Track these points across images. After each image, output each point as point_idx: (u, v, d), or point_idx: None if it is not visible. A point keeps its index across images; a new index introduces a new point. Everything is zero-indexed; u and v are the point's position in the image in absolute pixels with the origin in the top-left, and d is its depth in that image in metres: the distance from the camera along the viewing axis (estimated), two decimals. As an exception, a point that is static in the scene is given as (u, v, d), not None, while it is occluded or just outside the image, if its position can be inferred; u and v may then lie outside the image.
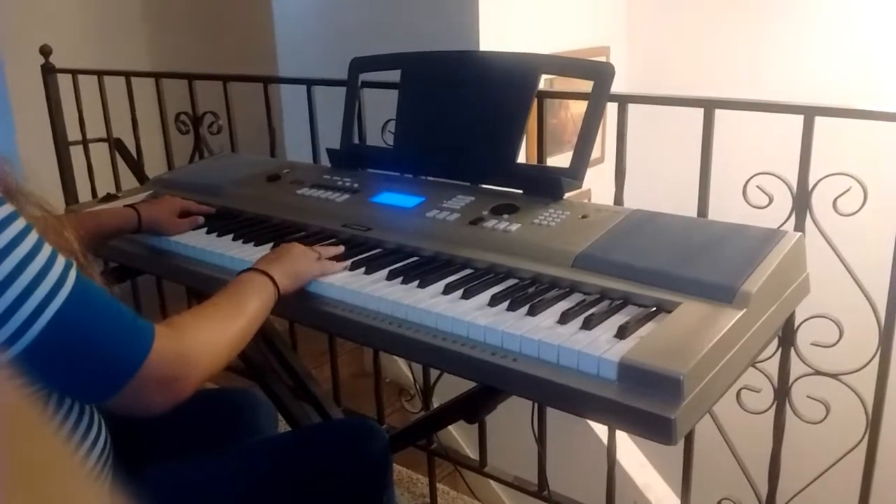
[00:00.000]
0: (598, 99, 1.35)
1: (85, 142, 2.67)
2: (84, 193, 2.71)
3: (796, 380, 1.44)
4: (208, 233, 1.47)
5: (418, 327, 1.07)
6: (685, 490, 1.63)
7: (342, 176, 1.60)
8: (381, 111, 1.73)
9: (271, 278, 1.11)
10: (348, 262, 1.25)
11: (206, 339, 0.95)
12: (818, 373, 1.42)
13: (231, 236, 1.43)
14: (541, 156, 1.67)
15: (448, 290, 1.12)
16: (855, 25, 2.84)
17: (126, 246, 1.50)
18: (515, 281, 1.16)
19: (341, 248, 1.30)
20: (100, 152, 2.67)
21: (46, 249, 0.81)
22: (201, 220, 1.51)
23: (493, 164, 1.45)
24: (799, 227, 1.35)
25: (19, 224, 0.79)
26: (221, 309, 1.02)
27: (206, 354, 0.93)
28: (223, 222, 1.51)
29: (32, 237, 0.80)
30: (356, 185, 1.54)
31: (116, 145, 2.60)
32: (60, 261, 0.82)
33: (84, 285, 0.83)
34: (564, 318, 1.01)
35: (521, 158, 1.46)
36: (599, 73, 1.36)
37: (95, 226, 1.41)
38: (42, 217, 0.89)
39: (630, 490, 2.61)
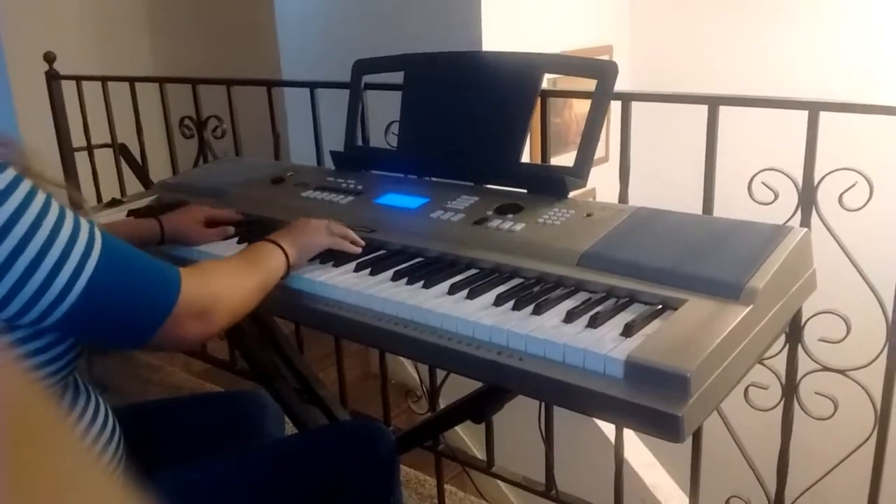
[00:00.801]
0: (601, 97, 1.35)
1: (90, 147, 2.68)
2: (89, 199, 2.71)
3: (804, 376, 1.44)
4: (240, 242, 1.39)
5: (423, 328, 1.07)
6: (693, 488, 1.62)
7: (346, 178, 1.60)
8: (384, 113, 1.73)
9: (282, 249, 1.15)
10: (352, 263, 1.25)
11: (226, 281, 1.03)
12: (826, 369, 1.41)
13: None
14: (545, 155, 1.67)
15: (453, 290, 1.12)
16: (858, 21, 2.83)
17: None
18: (520, 280, 1.15)
19: (361, 243, 1.30)
20: (104, 158, 2.68)
21: (70, 215, 0.86)
22: (231, 230, 1.44)
23: (496, 164, 1.45)
24: (805, 222, 1.35)
25: (41, 196, 0.83)
26: (237, 263, 1.10)
27: (227, 293, 1.01)
28: (254, 230, 1.42)
29: (55, 206, 0.85)
30: (360, 187, 1.54)
31: (121, 150, 2.61)
32: (85, 224, 0.87)
33: (111, 242, 0.89)
34: (570, 317, 1.00)
35: (526, 158, 1.45)
36: (602, 71, 1.36)
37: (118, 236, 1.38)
38: (55, 190, 0.93)
39: (638, 489, 2.61)
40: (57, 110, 2.70)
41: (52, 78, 2.67)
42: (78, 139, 2.71)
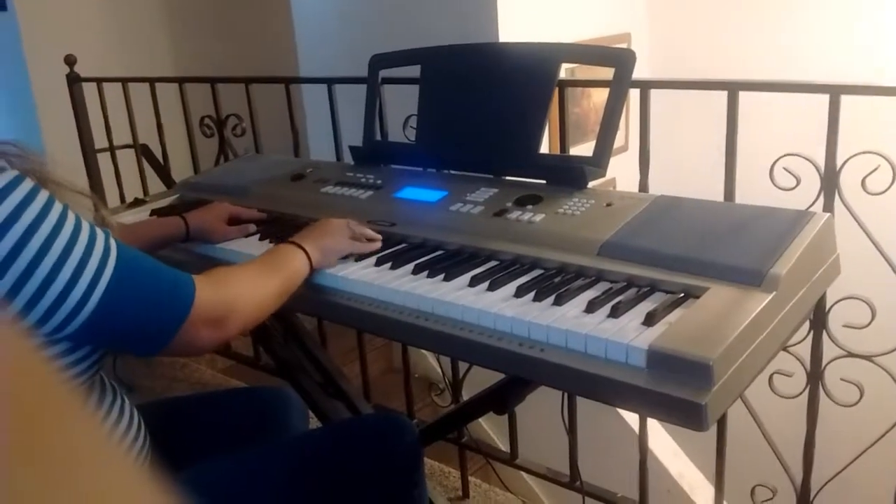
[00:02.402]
0: (619, 86, 1.34)
1: (112, 148, 2.71)
2: (112, 199, 2.74)
3: (829, 363, 1.43)
4: (261, 239, 1.41)
5: (445, 320, 1.07)
6: (719, 477, 1.61)
7: (365, 173, 1.60)
8: (402, 107, 1.74)
9: (304, 251, 1.16)
10: (372, 258, 1.26)
11: (242, 286, 1.03)
12: (851, 355, 1.40)
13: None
14: (563, 145, 1.66)
15: (474, 282, 1.12)
16: (877, 5, 2.79)
17: (177, 255, 1.43)
18: (541, 271, 1.15)
19: (379, 240, 1.31)
20: (126, 158, 2.70)
21: (86, 226, 0.87)
22: (252, 227, 1.45)
23: (515, 156, 1.45)
24: (828, 207, 1.33)
25: (58, 207, 0.85)
26: (256, 267, 1.10)
27: (243, 300, 1.01)
28: (275, 228, 1.45)
29: (71, 217, 0.86)
30: (379, 182, 1.54)
31: (143, 151, 2.63)
32: (101, 234, 0.88)
33: (126, 251, 0.90)
34: (591, 307, 1.00)
35: (544, 149, 1.45)
36: (620, 59, 1.35)
37: (142, 237, 1.39)
38: (74, 198, 0.94)
39: (663, 479, 2.60)
40: (79, 112, 2.73)
41: (74, 80, 2.69)
42: (100, 140, 2.74)
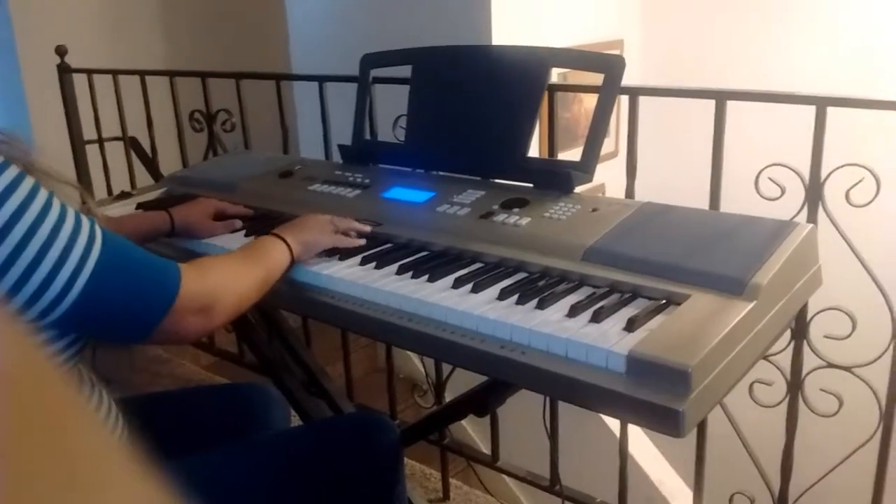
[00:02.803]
0: (608, 92, 1.35)
1: (101, 140, 2.70)
2: (100, 191, 2.73)
3: (809, 373, 1.44)
4: (247, 235, 1.41)
5: (428, 321, 1.07)
6: (698, 484, 1.62)
7: (353, 172, 1.60)
8: (392, 107, 1.74)
9: (286, 243, 1.16)
10: (357, 257, 1.25)
11: (226, 276, 1.03)
12: (831, 365, 1.41)
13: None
14: (552, 149, 1.67)
15: (458, 284, 1.12)
16: (866, 17, 2.81)
17: (161, 249, 1.40)
18: (525, 274, 1.16)
19: (367, 229, 1.32)
20: (115, 150, 2.69)
21: (71, 213, 0.87)
22: (238, 223, 1.45)
23: (503, 159, 1.45)
24: (811, 218, 1.34)
25: (43, 194, 0.85)
26: (239, 258, 1.10)
27: (227, 289, 1.02)
28: (260, 224, 1.44)
29: (57, 204, 0.86)
30: (367, 181, 1.54)
31: (131, 143, 2.62)
32: (86, 221, 0.88)
33: (111, 239, 0.90)
34: (573, 312, 1.01)
35: (533, 152, 1.45)
36: (609, 65, 1.36)
37: (121, 231, 1.39)
38: (59, 186, 0.94)
39: (643, 484, 2.61)
40: (68, 103, 2.72)
41: (64, 71, 2.68)
42: (89, 132, 2.73)
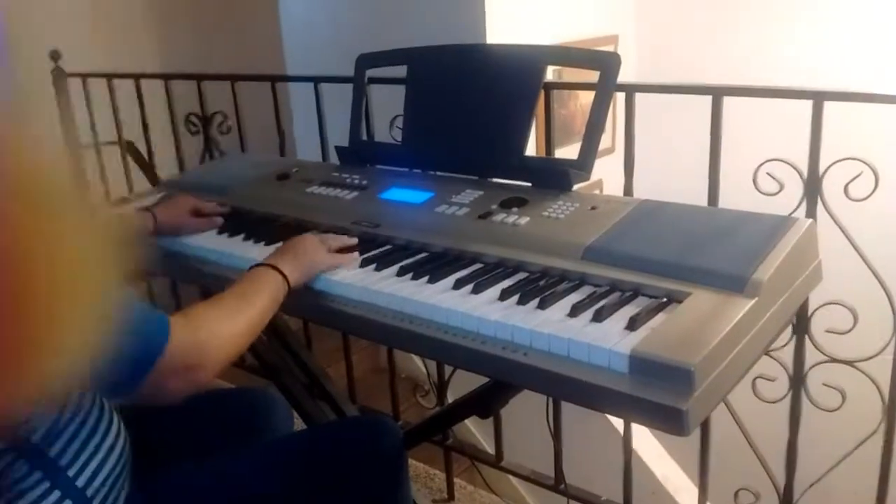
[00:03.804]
0: (604, 89, 1.34)
1: (97, 145, 2.69)
2: (97, 197, 2.72)
3: (811, 367, 1.43)
4: (219, 233, 1.47)
5: (428, 323, 1.07)
6: (702, 480, 1.62)
7: (351, 173, 1.60)
8: (388, 107, 1.73)
9: (281, 273, 1.13)
10: (357, 259, 1.25)
11: (219, 329, 0.97)
12: (833, 360, 1.40)
13: (242, 236, 1.43)
14: (549, 148, 1.66)
15: (458, 285, 1.12)
16: (865, 11, 2.81)
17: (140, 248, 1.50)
18: (525, 274, 1.15)
19: (354, 241, 1.31)
20: (111, 155, 2.68)
21: None
22: (220, 220, 1.49)
23: (501, 158, 1.44)
24: (810, 213, 1.34)
25: None
26: (233, 301, 1.05)
27: (219, 344, 0.96)
28: (234, 222, 1.50)
29: None
30: (365, 182, 1.54)
31: (128, 148, 2.61)
32: None
33: None
34: (575, 311, 1.00)
35: (530, 151, 1.45)
36: (605, 62, 1.35)
37: None
38: None
39: (648, 481, 2.61)
40: (63, 108, 2.71)
41: (59, 76, 2.67)
42: (85, 137, 2.72)
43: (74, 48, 2.94)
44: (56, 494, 0.92)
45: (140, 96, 2.46)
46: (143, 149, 2.58)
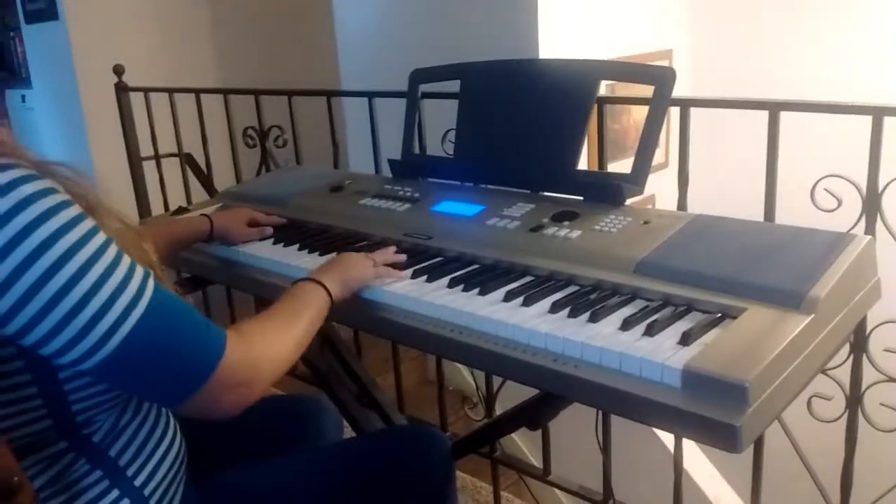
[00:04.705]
0: (658, 104, 1.34)
1: (157, 157, 2.77)
2: (157, 207, 2.80)
3: (869, 387, 1.40)
4: (275, 243, 1.51)
5: (479, 334, 1.08)
6: (755, 501, 1.59)
7: (403, 186, 1.62)
8: (440, 121, 1.75)
9: (324, 287, 1.14)
10: (408, 270, 1.27)
11: (270, 346, 0.97)
12: (892, 380, 1.37)
13: (296, 246, 1.46)
14: (601, 162, 1.66)
15: (508, 297, 1.13)
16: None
17: (197, 257, 1.56)
18: (576, 288, 1.15)
19: (403, 257, 1.32)
20: (171, 167, 2.76)
21: (126, 261, 0.84)
22: (270, 230, 1.55)
23: (553, 172, 1.45)
24: (869, 230, 1.31)
25: (100, 238, 0.82)
26: (283, 318, 1.05)
27: (271, 360, 0.96)
28: (289, 233, 1.54)
29: (112, 250, 0.83)
30: (417, 195, 1.56)
31: (187, 160, 2.68)
32: (139, 272, 0.85)
33: (161, 296, 0.86)
34: (626, 325, 1.00)
35: (582, 165, 1.45)
36: (659, 77, 1.35)
37: (169, 234, 1.46)
38: (122, 230, 0.92)
39: (699, 501, 2.57)
40: (126, 121, 2.80)
41: (121, 90, 2.76)
42: (146, 149, 2.80)
43: (137, 63, 3.04)
44: (115, 493, 0.95)
45: (200, 110, 2.53)
46: (201, 161, 2.65)
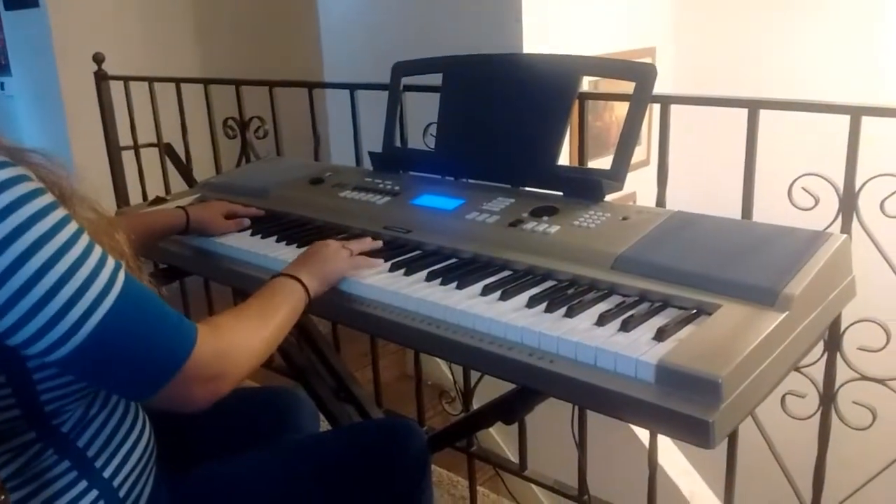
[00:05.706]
0: (639, 100, 1.34)
1: (136, 146, 2.74)
2: (135, 196, 2.78)
3: (842, 385, 1.41)
4: (252, 234, 1.50)
5: (456, 328, 1.08)
6: (728, 497, 1.60)
7: (384, 179, 1.61)
8: (422, 114, 1.75)
9: (301, 283, 1.13)
10: (384, 262, 1.26)
11: (242, 339, 0.97)
12: (865, 378, 1.38)
13: (274, 238, 1.45)
14: (582, 158, 1.66)
15: (486, 291, 1.12)
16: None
17: (174, 248, 1.55)
18: (554, 283, 1.16)
19: (378, 244, 1.32)
20: (150, 157, 2.73)
21: (97, 252, 0.83)
22: (247, 221, 1.54)
23: (533, 167, 1.45)
24: (845, 228, 1.32)
25: (72, 227, 0.81)
26: (256, 313, 1.04)
27: (243, 354, 0.95)
28: (267, 224, 1.53)
29: (84, 240, 0.82)
30: (397, 188, 1.55)
31: (166, 150, 2.66)
32: (110, 263, 0.84)
33: (132, 287, 0.85)
34: (602, 320, 1.00)
35: (563, 160, 1.45)
36: (641, 74, 1.35)
37: (144, 226, 1.44)
38: (94, 220, 0.91)
39: (673, 496, 2.58)
40: (105, 110, 2.77)
41: (101, 78, 2.73)
42: (125, 138, 2.78)
43: (117, 51, 3.01)
44: (83, 484, 0.94)
45: (180, 100, 2.50)
46: (180, 151, 2.63)
